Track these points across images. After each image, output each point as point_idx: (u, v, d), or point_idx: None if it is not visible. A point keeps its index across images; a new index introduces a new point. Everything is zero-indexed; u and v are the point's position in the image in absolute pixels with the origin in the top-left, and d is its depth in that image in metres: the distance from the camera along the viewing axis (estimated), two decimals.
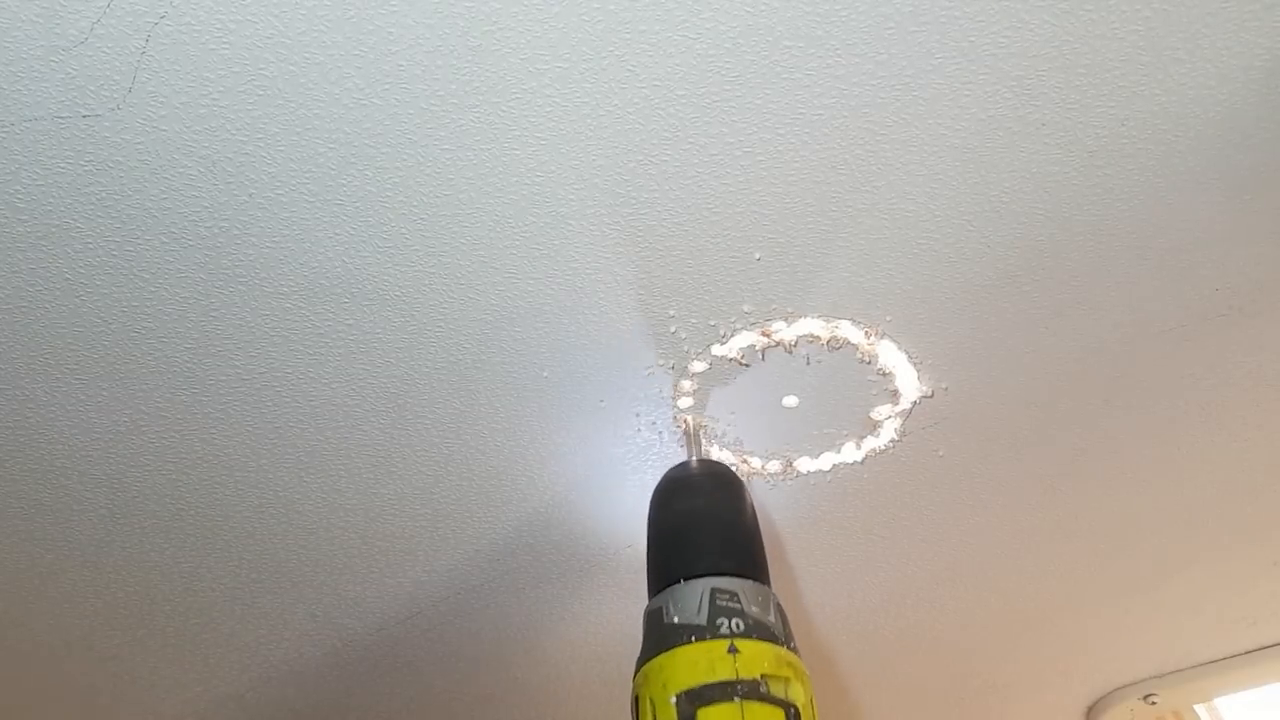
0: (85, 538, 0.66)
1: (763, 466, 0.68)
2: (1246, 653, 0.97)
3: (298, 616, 0.76)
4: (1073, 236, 0.54)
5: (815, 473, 0.68)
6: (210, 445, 0.61)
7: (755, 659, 0.43)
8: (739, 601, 0.46)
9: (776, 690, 0.42)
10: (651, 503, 0.55)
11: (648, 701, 0.44)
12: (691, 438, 0.62)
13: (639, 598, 0.50)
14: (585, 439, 0.64)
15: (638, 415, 0.62)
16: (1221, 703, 1.07)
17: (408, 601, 0.76)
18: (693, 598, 0.46)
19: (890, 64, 0.45)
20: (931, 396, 0.63)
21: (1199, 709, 1.07)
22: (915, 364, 0.61)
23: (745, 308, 0.56)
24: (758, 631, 0.44)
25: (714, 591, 0.46)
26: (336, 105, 0.44)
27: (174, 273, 0.51)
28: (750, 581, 0.48)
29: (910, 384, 0.62)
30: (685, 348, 0.58)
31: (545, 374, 0.59)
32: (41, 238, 0.49)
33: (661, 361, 0.59)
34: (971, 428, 0.66)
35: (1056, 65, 0.45)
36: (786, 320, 0.58)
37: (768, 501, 0.71)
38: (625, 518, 0.70)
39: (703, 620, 0.45)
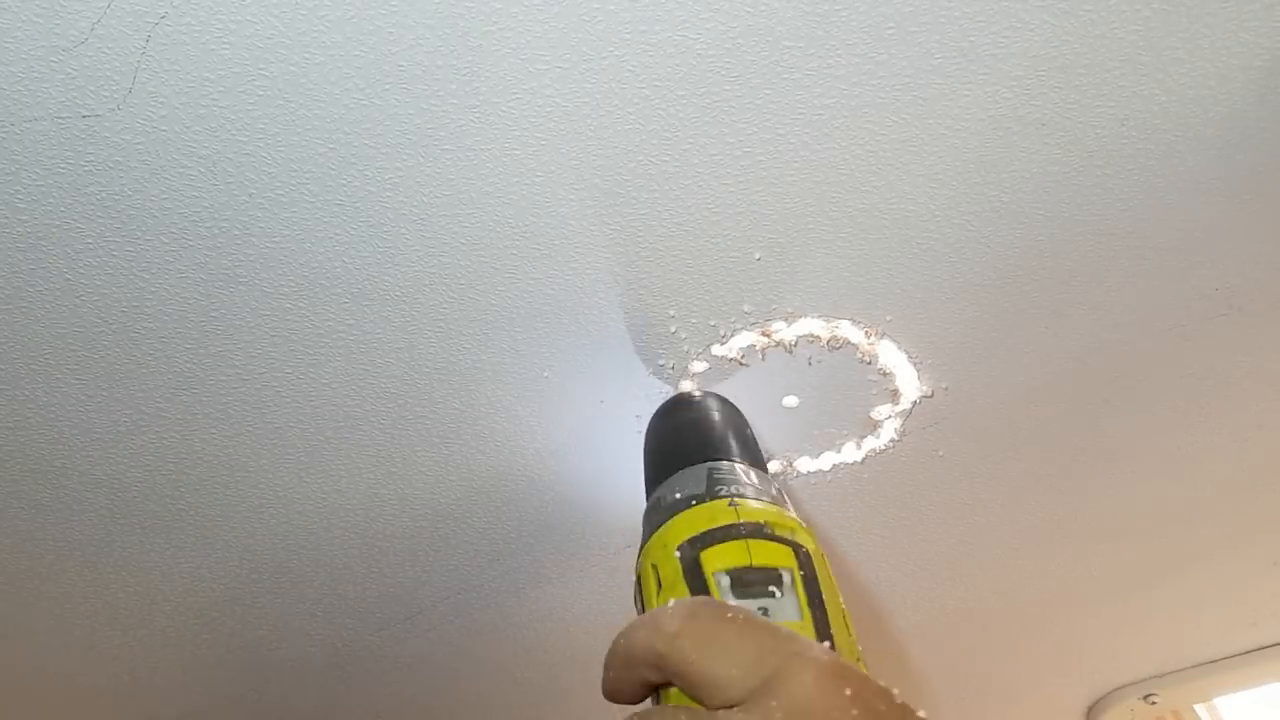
0: (85, 538, 0.66)
1: None
2: (1246, 653, 0.97)
3: (298, 616, 0.76)
4: (1073, 236, 0.54)
5: (815, 473, 0.68)
6: (210, 445, 0.61)
7: (757, 512, 0.40)
8: (735, 476, 0.44)
9: (782, 533, 0.39)
10: (649, 423, 0.55)
11: (649, 569, 0.41)
12: (692, 372, 0.61)
13: None
14: (585, 439, 0.64)
15: (638, 416, 0.62)
16: (1221, 703, 1.07)
17: (408, 601, 0.76)
18: (689, 478, 0.45)
19: (890, 64, 0.45)
20: (931, 396, 0.63)
21: (1199, 709, 1.07)
22: (915, 364, 0.61)
23: (745, 308, 0.56)
24: (757, 497, 0.42)
25: (710, 470, 0.45)
26: (336, 105, 0.44)
27: (174, 273, 0.51)
28: (748, 465, 0.46)
29: (910, 384, 0.62)
30: (685, 348, 0.58)
31: (545, 374, 0.59)
32: (41, 238, 0.49)
33: (661, 361, 0.59)
34: (971, 428, 0.66)
35: (1056, 65, 0.45)
36: (786, 320, 0.58)
37: None
38: (625, 517, 0.70)
39: (701, 490, 0.43)
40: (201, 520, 0.66)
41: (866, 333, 0.59)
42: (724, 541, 0.38)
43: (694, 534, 0.39)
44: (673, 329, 0.57)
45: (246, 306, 0.53)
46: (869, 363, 0.61)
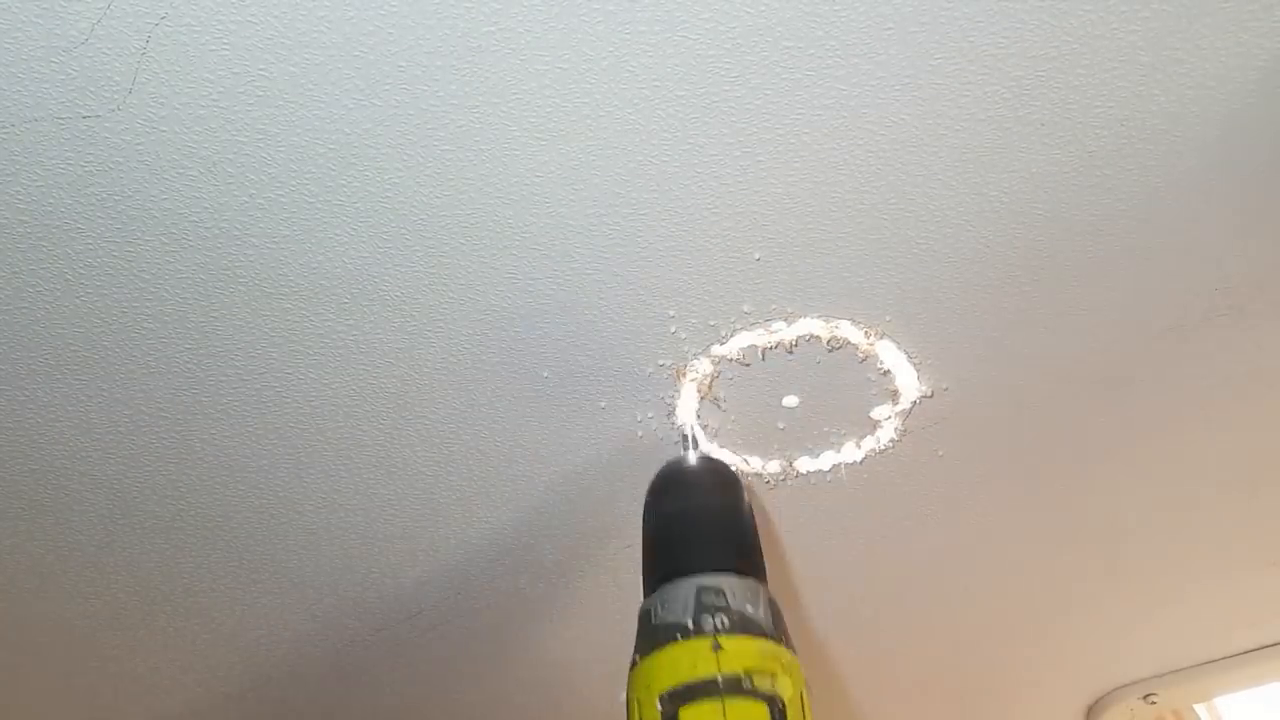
0: (85, 538, 0.66)
1: (763, 466, 0.68)
2: (1246, 652, 0.97)
3: (298, 616, 0.76)
4: (1073, 236, 0.54)
5: (815, 473, 0.68)
6: (210, 445, 0.61)
7: (739, 654, 0.42)
8: (725, 598, 0.46)
9: (762, 685, 0.42)
10: (646, 499, 0.55)
11: (635, 704, 0.44)
12: (689, 433, 0.62)
13: (638, 598, 0.50)
14: (585, 439, 0.64)
15: (637, 416, 0.62)
16: (1221, 702, 1.07)
17: (408, 601, 0.76)
18: (679, 596, 0.46)
19: (890, 64, 0.45)
20: (931, 396, 0.63)
21: (1199, 709, 1.07)
22: (915, 364, 0.61)
23: (745, 308, 0.56)
24: (743, 627, 0.44)
25: (700, 589, 0.46)
26: (336, 105, 0.44)
27: (174, 273, 0.51)
28: (738, 577, 0.47)
29: (910, 384, 0.62)
30: (685, 348, 0.58)
31: (545, 374, 0.59)
32: (41, 238, 0.49)
33: (662, 362, 0.59)
34: (971, 428, 0.66)
35: (1056, 65, 0.45)
36: (786, 320, 0.58)
37: (767, 502, 0.71)
38: (625, 517, 0.70)
39: (688, 619, 0.45)
40: (201, 520, 0.66)
41: (866, 333, 0.59)
42: (703, 699, 0.41)
43: (675, 685, 0.42)
44: (673, 329, 0.57)
45: (246, 306, 0.53)
46: (869, 362, 0.61)
